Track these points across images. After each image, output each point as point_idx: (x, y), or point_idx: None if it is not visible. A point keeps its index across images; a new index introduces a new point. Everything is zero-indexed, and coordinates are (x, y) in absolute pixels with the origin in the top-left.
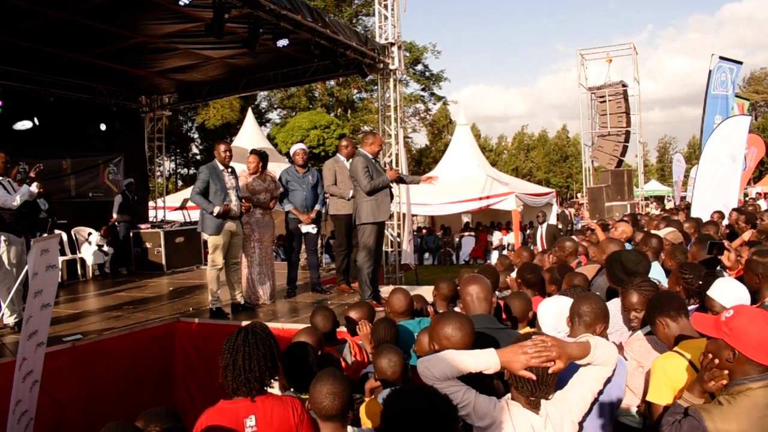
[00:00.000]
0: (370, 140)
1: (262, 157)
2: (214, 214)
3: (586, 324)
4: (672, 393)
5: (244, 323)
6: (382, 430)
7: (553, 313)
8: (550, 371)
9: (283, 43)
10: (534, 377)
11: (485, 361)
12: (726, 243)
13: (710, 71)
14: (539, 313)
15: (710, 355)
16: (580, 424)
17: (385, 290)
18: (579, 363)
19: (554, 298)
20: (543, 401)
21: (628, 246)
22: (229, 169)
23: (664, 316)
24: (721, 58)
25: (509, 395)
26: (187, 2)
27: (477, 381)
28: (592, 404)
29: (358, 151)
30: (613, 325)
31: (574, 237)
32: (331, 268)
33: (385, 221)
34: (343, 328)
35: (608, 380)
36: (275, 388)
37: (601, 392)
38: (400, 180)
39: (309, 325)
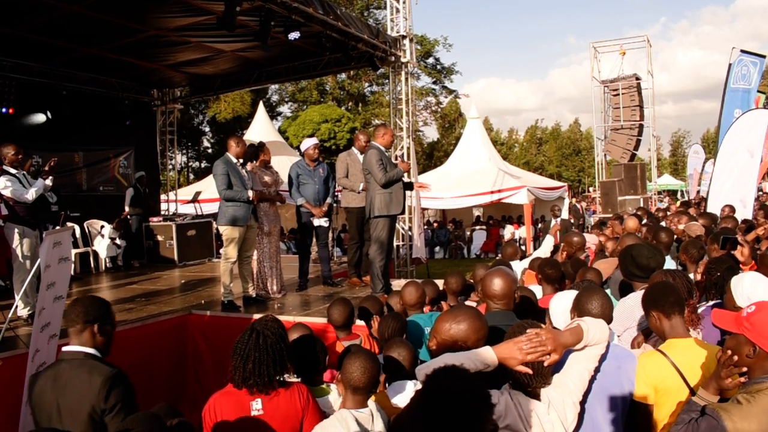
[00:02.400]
0: (382, 132)
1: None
2: (250, 199)
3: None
4: (652, 392)
5: (256, 316)
6: (421, 407)
7: (563, 307)
8: (545, 364)
9: (294, 35)
10: (531, 371)
11: (483, 360)
12: (740, 238)
13: (730, 64)
14: (551, 307)
15: (729, 352)
16: (581, 403)
17: (396, 284)
18: (575, 348)
19: (566, 293)
20: (543, 388)
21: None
22: (241, 162)
23: (657, 310)
24: (743, 51)
25: (509, 384)
26: None
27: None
28: (591, 382)
29: (371, 143)
30: (630, 319)
31: (582, 232)
32: (342, 261)
33: (398, 215)
34: (359, 321)
35: (603, 357)
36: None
37: (597, 369)
38: (406, 185)
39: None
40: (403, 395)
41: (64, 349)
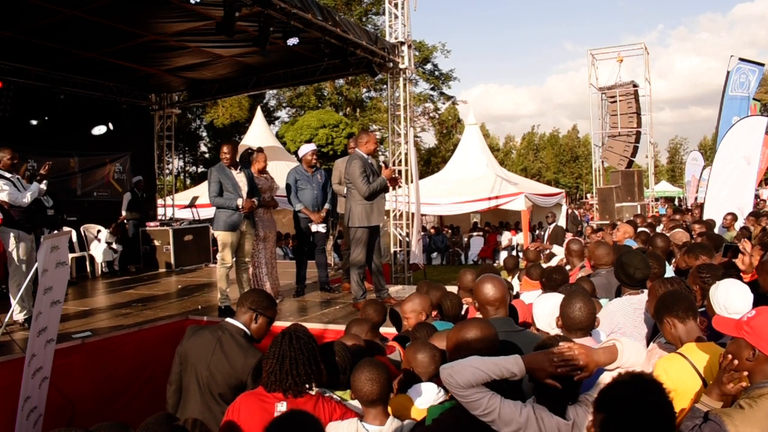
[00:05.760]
0: (365, 139)
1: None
2: (239, 207)
3: (576, 324)
4: (672, 394)
5: None
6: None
7: (549, 310)
8: (575, 379)
9: (293, 41)
10: (559, 386)
11: (510, 369)
12: (741, 245)
13: (728, 72)
14: (535, 309)
15: (729, 356)
16: None
17: (393, 290)
18: (608, 368)
19: (549, 296)
20: (569, 405)
21: (633, 244)
22: (238, 168)
23: (671, 316)
24: (741, 59)
25: (534, 398)
26: (198, 0)
27: (504, 385)
28: None
29: (355, 152)
30: (613, 324)
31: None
32: (340, 268)
33: (379, 225)
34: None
35: None
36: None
37: None
38: (392, 181)
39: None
40: (425, 397)
41: (227, 320)
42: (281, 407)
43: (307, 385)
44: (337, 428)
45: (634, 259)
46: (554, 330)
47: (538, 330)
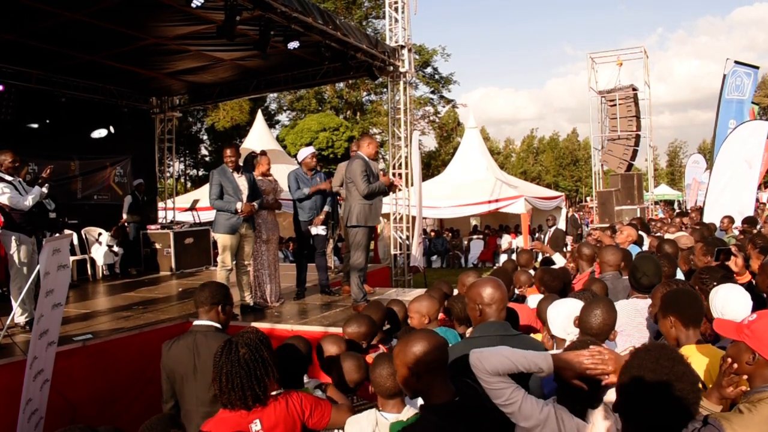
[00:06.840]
0: (367, 142)
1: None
2: (238, 211)
3: (588, 329)
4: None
5: (253, 325)
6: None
7: (564, 315)
8: (603, 383)
9: (293, 45)
10: (585, 387)
11: (538, 364)
12: (733, 248)
13: (724, 75)
14: (549, 315)
15: (729, 360)
16: None
17: (393, 292)
18: None
19: (564, 301)
20: (590, 409)
21: (636, 248)
22: (240, 172)
23: (676, 316)
24: (737, 62)
25: (555, 398)
26: (199, 4)
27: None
28: None
29: (356, 153)
30: (617, 324)
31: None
32: (340, 270)
33: (374, 226)
34: None
35: None
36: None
37: None
38: (391, 186)
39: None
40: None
41: (195, 322)
42: (255, 427)
43: (249, 401)
44: (357, 421)
45: (644, 264)
46: (569, 335)
47: (552, 336)
